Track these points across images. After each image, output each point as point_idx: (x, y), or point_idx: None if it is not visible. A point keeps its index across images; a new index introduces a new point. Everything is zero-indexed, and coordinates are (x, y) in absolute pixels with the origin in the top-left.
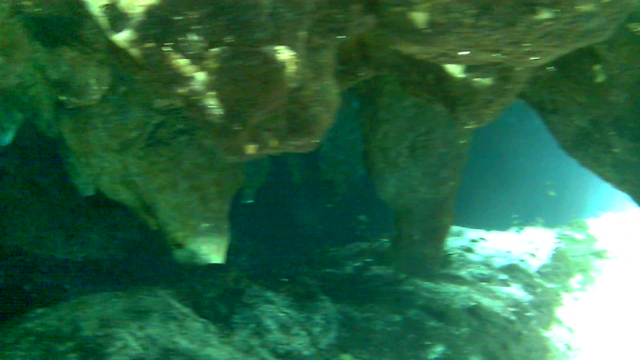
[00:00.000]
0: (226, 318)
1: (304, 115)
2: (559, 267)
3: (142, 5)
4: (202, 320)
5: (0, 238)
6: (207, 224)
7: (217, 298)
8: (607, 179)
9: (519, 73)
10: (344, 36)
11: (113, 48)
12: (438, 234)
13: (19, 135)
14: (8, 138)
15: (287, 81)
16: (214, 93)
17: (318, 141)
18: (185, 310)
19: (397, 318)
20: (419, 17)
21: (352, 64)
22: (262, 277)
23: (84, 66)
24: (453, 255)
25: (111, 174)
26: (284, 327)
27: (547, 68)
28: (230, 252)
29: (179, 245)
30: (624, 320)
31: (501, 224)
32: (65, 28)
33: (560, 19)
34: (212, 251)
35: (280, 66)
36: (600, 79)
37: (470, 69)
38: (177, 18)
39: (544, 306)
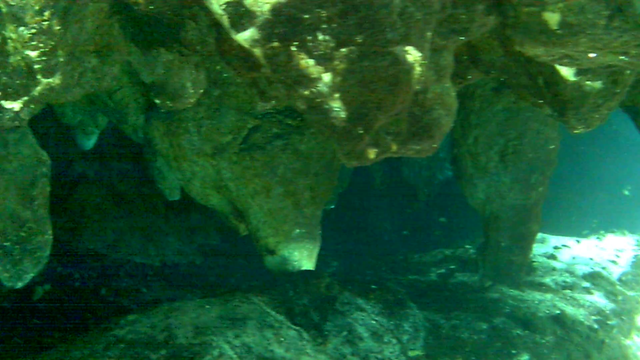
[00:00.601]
0: (319, 325)
1: (426, 118)
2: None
3: (269, 3)
4: (296, 328)
5: (77, 242)
6: (300, 230)
7: (310, 305)
8: None
9: (629, 76)
10: (465, 38)
11: (222, 49)
12: (526, 241)
13: (100, 140)
14: (91, 142)
15: (414, 83)
16: (339, 95)
17: (437, 145)
18: (280, 317)
19: (484, 326)
20: (553, 18)
21: (462, 67)
22: (351, 284)
23: (180, 69)
24: (537, 263)
25: (203, 178)
26: (375, 335)
27: None
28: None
29: (271, 252)
30: None
31: (582, 231)
32: (165, 29)
33: None
34: (304, 257)
35: (409, 67)
36: None
37: (582, 72)
38: (306, 16)
39: (625, 314)
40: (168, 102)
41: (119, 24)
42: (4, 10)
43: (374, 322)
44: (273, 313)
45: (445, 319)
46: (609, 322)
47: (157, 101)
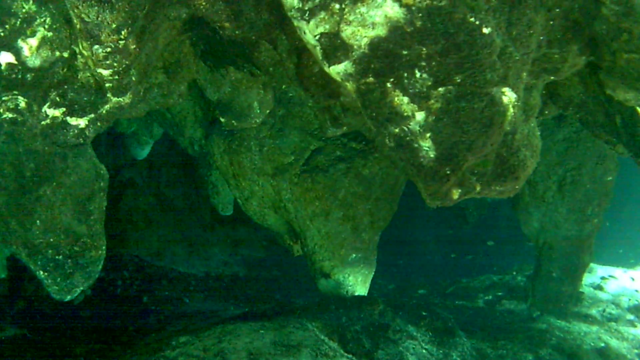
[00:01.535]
0: (370, 353)
1: (512, 159)
2: None
3: (368, 37)
4: (349, 356)
5: (122, 248)
6: (357, 255)
7: (362, 332)
8: None
9: None
10: (555, 77)
11: (301, 74)
12: (577, 272)
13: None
14: (145, 152)
15: (507, 125)
16: (430, 135)
17: (520, 187)
18: (334, 345)
19: (530, 357)
20: None
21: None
22: (401, 309)
23: (248, 88)
24: (584, 293)
25: (261, 198)
26: None
27: None
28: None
29: (326, 275)
30: None
31: (629, 261)
32: (238, 49)
33: None
34: (359, 283)
35: (504, 109)
36: None
37: None
38: (405, 52)
39: None
40: (233, 122)
41: (190, 41)
42: (78, 26)
43: (424, 351)
44: (327, 340)
45: (492, 348)
46: None
47: (222, 119)
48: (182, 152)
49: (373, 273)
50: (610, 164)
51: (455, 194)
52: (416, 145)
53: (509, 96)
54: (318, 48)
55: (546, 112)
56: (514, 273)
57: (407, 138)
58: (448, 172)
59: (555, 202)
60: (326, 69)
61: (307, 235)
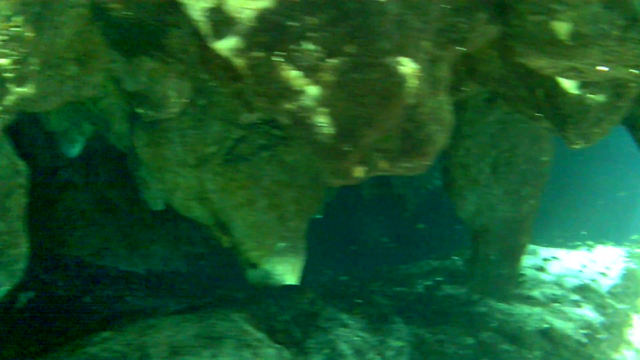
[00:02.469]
0: (300, 343)
1: (419, 134)
2: (629, 287)
3: (253, 9)
4: (276, 346)
5: (62, 249)
6: (284, 244)
7: (292, 321)
8: None
9: (633, 89)
10: (464, 48)
11: (205, 57)
12: (515, 253)
13: (86, 147)
14: (76, 150)
15: (407, 97)
16: (326, 109)
17: (430, 163)
18: (260, 335)
19: (470, 341)
20: (562, 27)
21: (457, 78)
22: (336, 298)
23: (164, 78)
24: (526, 275)
25: (186, 190)
26: (359, 352)
27: None
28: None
29: (254, 265)
30: None
31: (572, 242)
32: (148, 36)
33: None
34: (287, 272)
35: (402, 80)
36: None
37: (585, 85)
38: (293, 24)
39: (615, 328)
40: (151, 112)
41: (101, 30)
42: None
43: (357, 338)
44: (252, 331)
45: (431, 333)
46: (598, 336)
47: (140, 110)
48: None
49: (303, 262)
50: (545, 144)
51: (359, 171)
52: (312, 121)
53: (408, 67)
54: (205, 24)
55: (465, 88)
56: (455, 257)
57: (302, 114)
58: (348, 148)
59: (490, 184)
60: (214, 45)
61: (233, 226)
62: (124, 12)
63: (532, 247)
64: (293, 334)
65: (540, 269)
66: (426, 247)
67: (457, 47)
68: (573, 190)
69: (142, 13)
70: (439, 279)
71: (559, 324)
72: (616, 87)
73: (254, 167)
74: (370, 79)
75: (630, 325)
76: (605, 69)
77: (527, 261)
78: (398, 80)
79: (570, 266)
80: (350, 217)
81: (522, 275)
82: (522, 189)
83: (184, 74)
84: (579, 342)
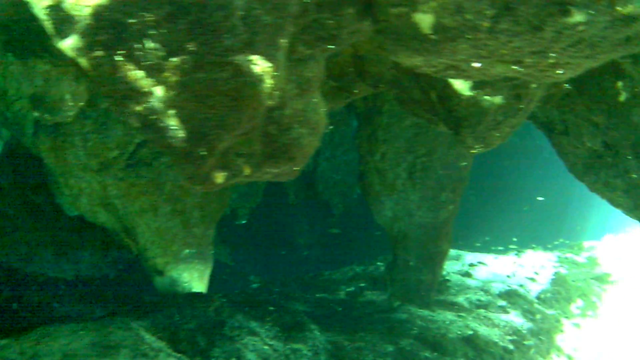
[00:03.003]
0: (204, 352)
1: (284, 138)
2: (559, 292)
3: (89, 6)
4: (177, 355)
5: None
6: (190, 250)
7: (197, 330)
8: (617, 205)
9: (535, 90)
10: (335, 46)
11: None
12: (435, 260)
13: (11, 151)
14: None
15: (263, 98)
16: (174, 112)
17: (299, 169)
18: (159, 344)
19: (390, 348)
20: (424, 20)
21: (347, 80)
22: (249, 305)
23: (58, 80)
24: (450, 281)
25: (90, 195)
26: None
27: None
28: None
29: (160, 272)
30: (626, 348)
31: (501, 247)
32: (34, 38)
33: (595, 23)
34: (194, 279)
35: (254, 80)
36: (622, 97)
37: (479, 85)
38: (131, 21)
39: (544, 334)
40: (47, 115)
41: None
42: None
43: (266, 347)
44: (151, 340)
45: (349, 340)
46: (525, 343)
47: (36, 114)
48: None
49: (210, 269)
50: (465, 149)
51: (219, 177)
52: (162, 124)
53: (261, 65)
54: (48, 23)
55: (356, 90)
56: (379, 263)
57: (152, 117)
58: (203, 153)
59: (407, 189)
60: (59, 45)
61: (138, 232)
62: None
63: (457, 252)
64: (197, 342)
65: (466, 274)
66: (351, 252)
67: (328, 46)
68: (502, 195)
69: (28, 14)
70: (361, 285)
71: (483, 330)
72: (515, 88)
73: (154, 172)
74: (217, 79)
75: (561, 331)
76: (477, 65)
77: (452, 267)
78: (250, 80)
79: (497, 271)
80: (276, 222)
81: (447, 281)
82: (440, 194)
83: (78, 77)
84: (504, 349)
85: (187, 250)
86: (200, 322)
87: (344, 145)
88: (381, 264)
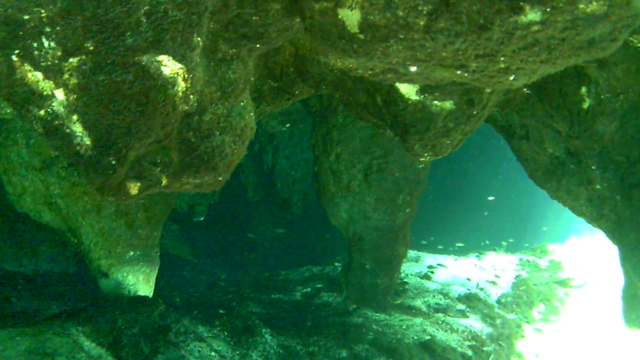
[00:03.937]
0: (147, 358)
1: (204, 146)
2: (521, 296)
3: None
4: None
5: None
6: (135, 252)
7: (140, 335)
8: (580, 214)
9: (490, 95)
10: (262, 45)
11: None
12: (392, 263)
13: None
14: None
15: (176, 103)
16: (78, 117)
17: (224, 178)
18: (99, 351)
19: (344, 354)
20: (350, 17)
21: (287, 80)
22: (198, 308)
23: None
24: (409, 284)
25: (33, 194)
26: None
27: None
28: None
29: (104, 274)
30: (588, 353)
31: (461, 249)
32: None
33: (552, 23)
34: (140, 281)
35: (164, 83)
36: (586, 104)
37: (427, 89)
38: (27, 17)
39: (504, 339)
40: None
41: None
42: None
43: (213, 353)
44: (91, 346)
45: (302, 345)
46: (485, 349)
47: None
48: None
49: (156, 271)
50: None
51: (134, 188)
52: (68, 130)
53: (171, 67)
54: None
55: (297, 92)
56: (336, 264)
57: (56, 122)
58: (113, 162)
59: (362, 191)
60: None
61: (82, 233)
62: None
63: (417, 254)
64: (141, 349)
65: (425, 277)
66: (310, 251)
67: (254, 45)
68: (465, 197)
69: None
70: (318, 286)
71: (441, 335)
72: (467, 93)
73: None
74: (121, 82)
75: (522, 336)
76: (413, 69)
77: (410, 269)
78: (159, 83)
79: (457, 274)
80: (235, 219)
81: (405, 283)
82: (397, 197)
83: None
84: (463, 355)
85: (131, 252)
86: (143, 327)
87: (303, 143)
88: (339, 264)
